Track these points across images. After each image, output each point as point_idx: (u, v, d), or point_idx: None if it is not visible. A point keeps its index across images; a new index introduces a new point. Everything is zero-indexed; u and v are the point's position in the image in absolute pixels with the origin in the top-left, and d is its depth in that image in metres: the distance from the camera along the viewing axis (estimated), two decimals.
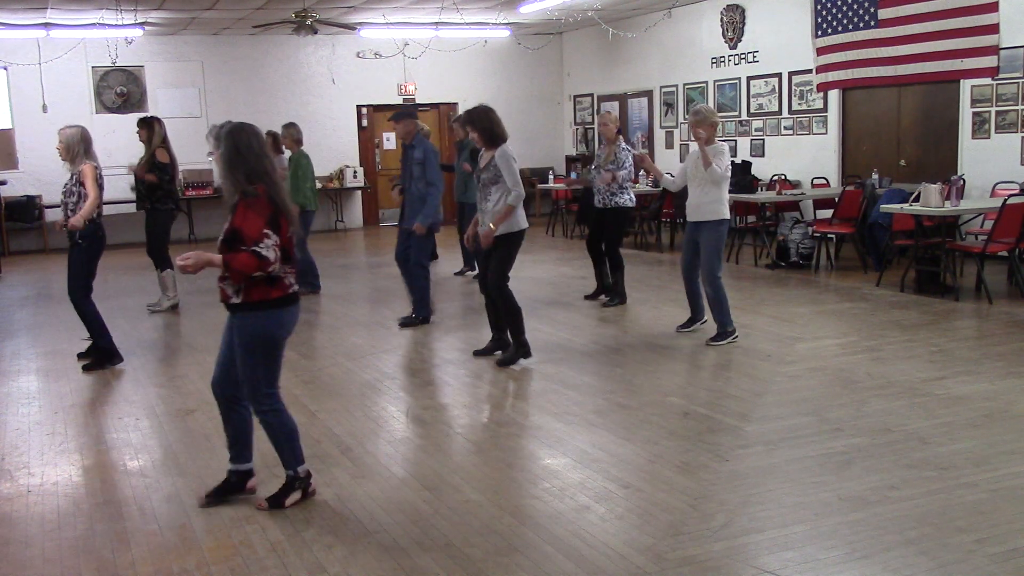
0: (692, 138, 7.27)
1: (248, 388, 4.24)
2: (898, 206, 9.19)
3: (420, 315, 8.39)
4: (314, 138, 14.06)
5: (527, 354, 6.90)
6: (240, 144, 4.08)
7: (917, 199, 9.02)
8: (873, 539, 3.79)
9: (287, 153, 10.50)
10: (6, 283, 12.03)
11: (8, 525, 4.30)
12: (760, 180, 12.68)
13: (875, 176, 11.33)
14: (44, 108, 15.14)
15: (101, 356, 7.24)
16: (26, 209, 14.87)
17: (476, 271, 10.86)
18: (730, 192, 11.98)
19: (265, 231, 3.99)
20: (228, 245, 4.04)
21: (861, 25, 11.52)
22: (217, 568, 3.77)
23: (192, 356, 7.54)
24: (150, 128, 9.30)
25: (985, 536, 3.79)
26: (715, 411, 5.56)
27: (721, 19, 14.33)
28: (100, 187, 6.86)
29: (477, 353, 7.14)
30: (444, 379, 6.79)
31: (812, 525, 3.95)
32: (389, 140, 17.44)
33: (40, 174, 15.23)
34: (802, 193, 11.86)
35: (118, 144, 15.61)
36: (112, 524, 4.25)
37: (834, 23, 11.88)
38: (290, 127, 10.49)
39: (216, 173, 4.14)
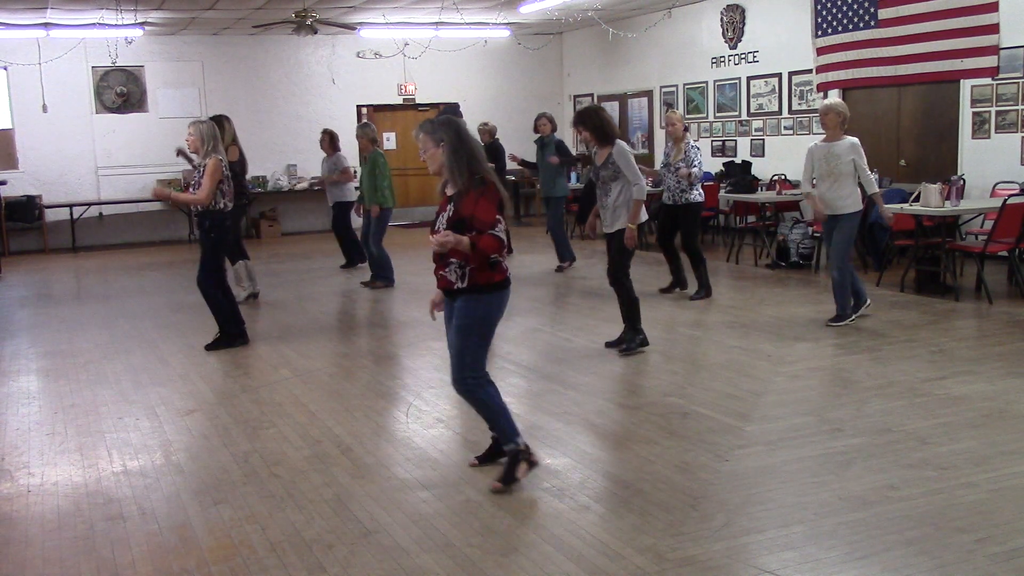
0: (821, 129, 7.73)
1: (457, 367, 4.43)
2: (898, 206, 9.18)
3: None
4: (314, 137, 14.05)
5: (646, 342, 7.07)
6: (462, 133, 4.31)
7: (917, 199, 9.02)
8: (873, 539, 3.79)
9: (342, 152, 11.19)
10: (6, 283, 12.03)
11: (8, 525, 4.30)
12: (760, 180, 12.68)
13: (875, 176, 11.32)
14: (44, 108, 15.14)
15: (227, 338, 7.64)
16: (26, 209, 14.87)
17: (569, 263, 11.19)
18: (730, 192, 12.12)
19: (498, 216, 4.22)
20: (457, 232, 4.21)
21: (861, 25, 11.52)
22: (217, 568, 3.77)
23: (193, 356, 7.54)
24: (220, 127, 9.33)
25: (985, 536, 3.79)
26: (715, 411, 5.56)
27: (721, 19, 14.34)
28: (227, 178, 7.32)
29: (609, 345, 7.21)
30: (445, 379, 6.78)
31: (812, 525, 3.95)
32: (389, 140, 17.43)
33: (40, 174, 15.25)
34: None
35: (118, 144, 15.65)
36: (112, 524, 4.25)
37: (834, 23, 11.89)
38: (366, 127, 10.72)
39: (434, 167, 4.37)
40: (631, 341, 7.06)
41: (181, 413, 5.98)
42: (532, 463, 4.55)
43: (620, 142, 6.88)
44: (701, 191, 9.14)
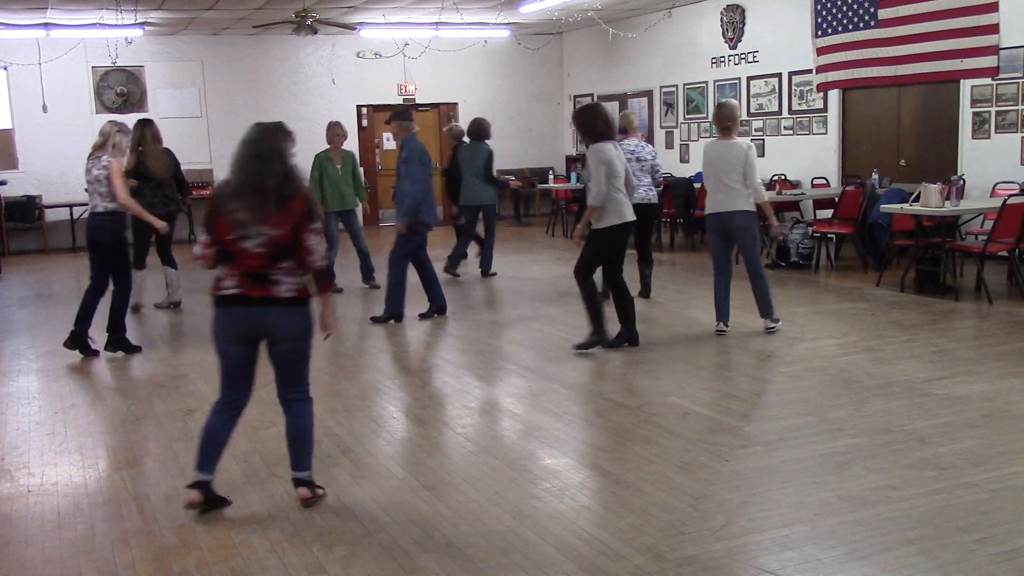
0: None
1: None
2: (898, 206, 9.19)
3: (388, 311, 8.39)
4: (314, 138, 14.05)
5: (600, 342, 7.00)
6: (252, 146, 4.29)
7: (917, 199, 9.02)
8: (873, 539, 3.79)
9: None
10: (6, 283, 12.03)
11: (8, 525, 4.30)
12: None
13: (875, 176, 11.32)
14: (44, 108, 15.14)
15: (75, 339, 7.51)
16: (26, 209, 14.87)
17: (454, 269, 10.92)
18: None
19: (199, 229, 4.09)
20: None
21: (861, 25, 11.52)
22: (217, 568, 3.77)
23: (193, 356, 7.53)
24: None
25: (985, 536, 3.79)
26: (715, 411, 5.56)
27: (721, 19, 14.33)
28: (101, 180, 7.22)
29: (607, 345, 7.13)
30: (444, 379, 6.79)
31: (812, 525, 3.95)
32: (389, 140, 17.43)
33: (40, 174, 15.24)
34: (802, 193, 11.86)
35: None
36: (112, 524, 4.25)
37: (834, 23, 11.88)
38: (335, 126, 10.69)
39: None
40: (587, 340, 6.98)
41: (181, 413, 5.98)
42: (316, 497, 4.32)
43: (598, 144, 6.68)
44: (646, 192, 8.89)
